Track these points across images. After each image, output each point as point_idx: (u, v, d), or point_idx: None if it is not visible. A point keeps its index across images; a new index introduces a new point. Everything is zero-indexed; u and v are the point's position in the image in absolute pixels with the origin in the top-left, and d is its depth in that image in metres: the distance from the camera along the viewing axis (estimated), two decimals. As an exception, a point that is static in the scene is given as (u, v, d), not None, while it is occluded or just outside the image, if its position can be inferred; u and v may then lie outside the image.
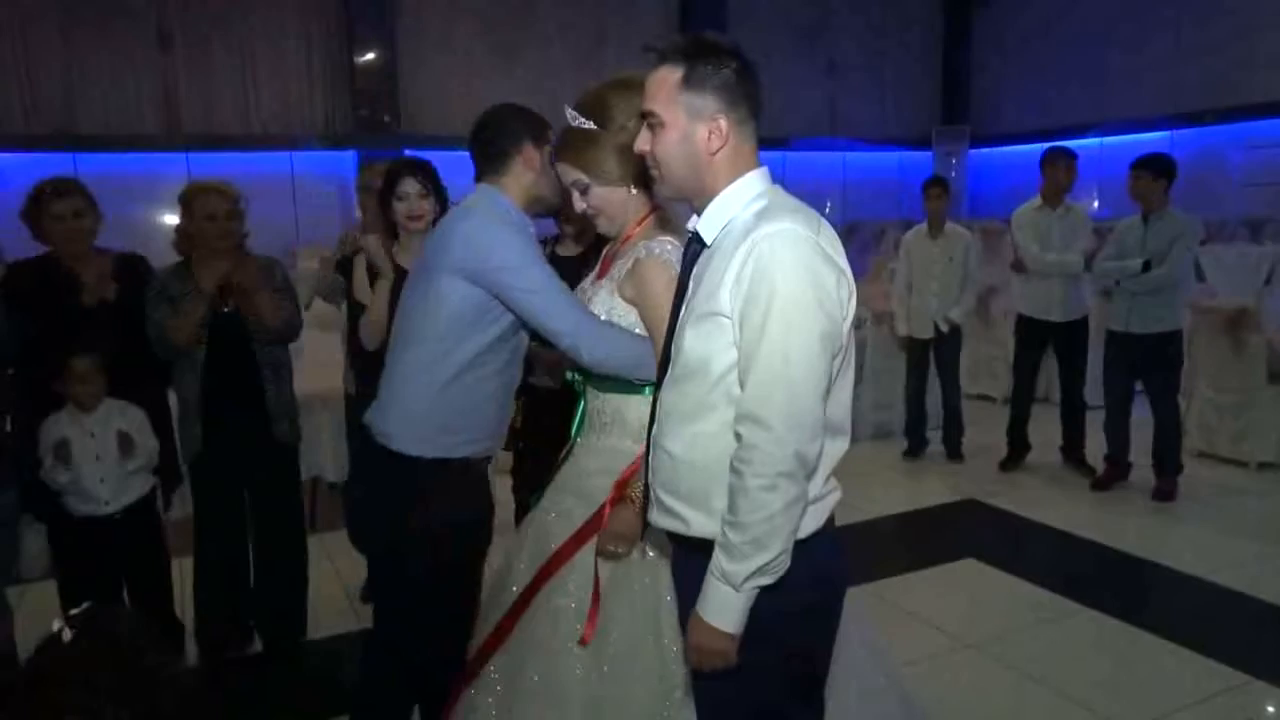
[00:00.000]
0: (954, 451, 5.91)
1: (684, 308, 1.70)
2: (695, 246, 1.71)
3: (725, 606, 1.56)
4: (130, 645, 1.33)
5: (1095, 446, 5.45)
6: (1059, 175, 5.39)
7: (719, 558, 1.55)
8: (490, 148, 2.25)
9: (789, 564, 1.56)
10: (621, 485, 2.04)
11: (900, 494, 5.33)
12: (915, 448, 6.02)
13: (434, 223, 2.98)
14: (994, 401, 7.29)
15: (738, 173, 1.66)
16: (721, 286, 1.57)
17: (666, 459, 1.68)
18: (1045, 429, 5.72)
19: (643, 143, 1.68)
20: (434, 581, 2.25)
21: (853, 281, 1.60)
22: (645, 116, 1.66)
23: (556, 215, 2.58)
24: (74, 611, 1.30)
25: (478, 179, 2.29)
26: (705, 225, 1.67)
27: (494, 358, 2.20)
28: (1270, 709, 3.08)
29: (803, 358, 1.51)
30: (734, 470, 1.54)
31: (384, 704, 2.38)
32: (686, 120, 1.62)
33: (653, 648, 1.99)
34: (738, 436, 1.55)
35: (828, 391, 1.57)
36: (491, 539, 2.39)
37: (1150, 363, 5.03)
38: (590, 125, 2.01)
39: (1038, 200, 5.49)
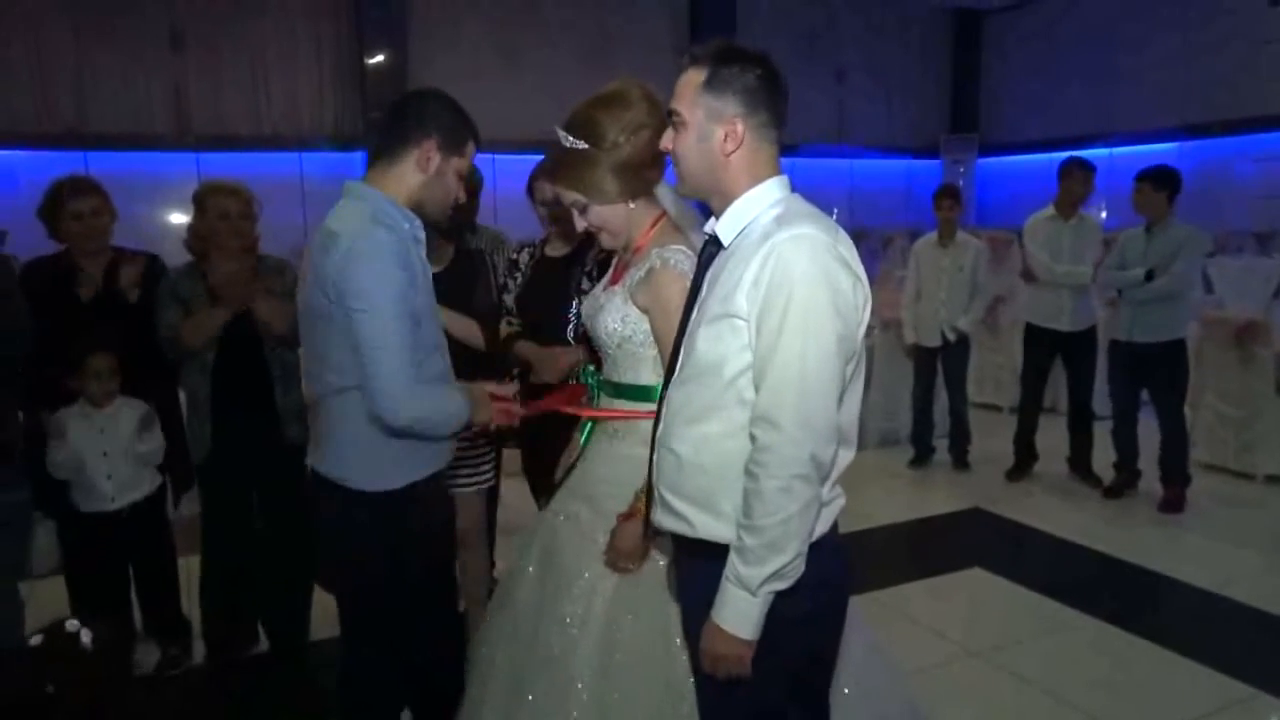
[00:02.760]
0: (960, 460, 5.91)
1: (696, 308, 1.71)
2: (711, 248, 1.73)
3: (741, 612, 1.57)
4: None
5: (1101, 457, 5.45)
6: (1075, 187, 5.37)
7: (734, 563, 1.56)
8: (393, 129, 2.12)
9: (804, 568, 1.57)
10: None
11: (906, 502, 5.33)
12: (921, 456, 6.02)
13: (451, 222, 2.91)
14: (1000, 411, 7.29)
15: (757, 178, 1.68)
16: (738, 289, 1.58)
17: (672, 460, 1.69)
18: (1051, 439, 5.71)
19: (666, 140, 1.73)
20: (417, 594, 2.23)
21: (868, 288, 1.62)
22: (670, 115, 1.70)
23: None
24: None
25: (370, 162, 2.17)
26: (723, 228, 1.69)
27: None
28: (1276, 722, 3.09)
29: (818, 361, 1.52)
30: (749, 474, 1.55)
31: (374, 708, 2.35)
32: (705, 121, 1.65)
33: (660, 655, 1.99)
34: (753, 439, 1.56)
35: (842, 396, 1.58)
36: (456, 539, 2.40)
37: (1154, 372, 5.03)
38: (582, 145, 2.00)
39: (1051, 210, 5.47)
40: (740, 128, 1.64)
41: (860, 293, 1.59)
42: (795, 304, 1.51)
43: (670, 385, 1.74)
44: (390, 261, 1.99)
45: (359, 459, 2.13)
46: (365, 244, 1.98)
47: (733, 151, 1.65)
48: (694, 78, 1.66)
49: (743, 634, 1.57)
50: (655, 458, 1.75)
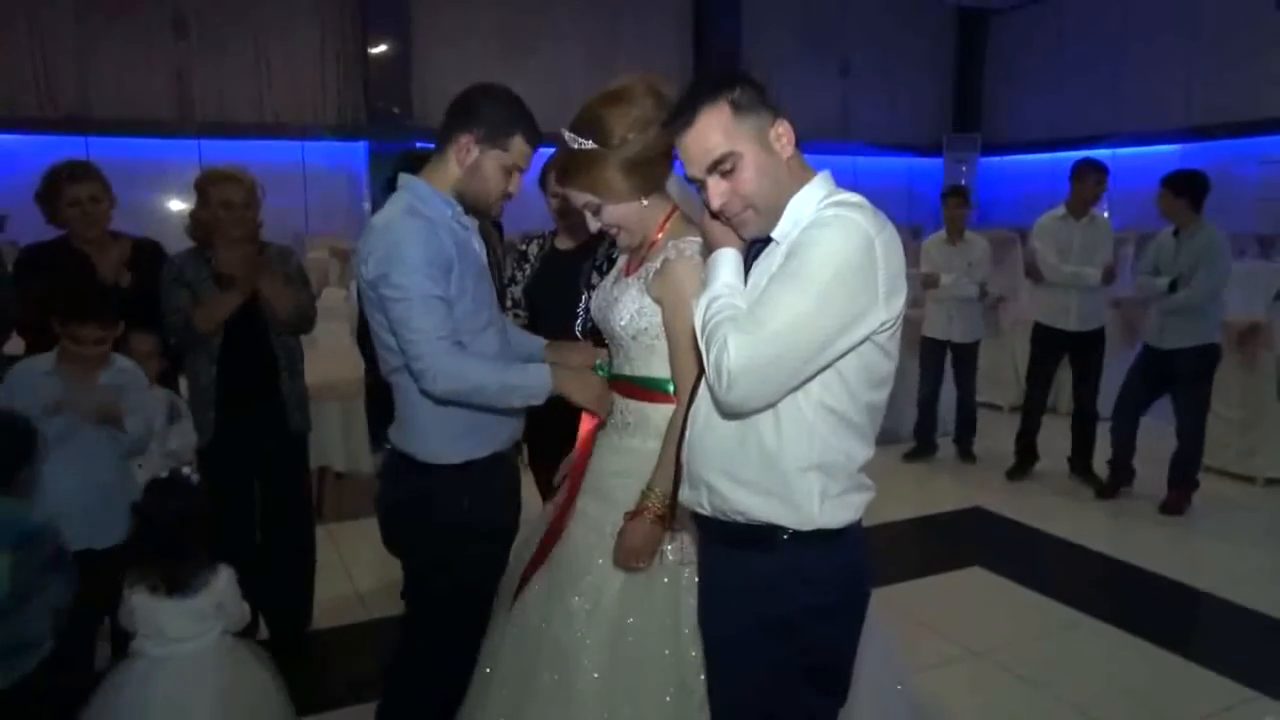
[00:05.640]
0: (965, 452, 5.97)
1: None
2: (759, 245, 1.70)
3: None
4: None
5: (1102, 458, 5.45)
6: (1087, 188, 5.33)
7: (722, 302, 1.60)
8: (445, 122, 2.17)
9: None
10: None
11: (907, 501, 5.30)
12: (922, 450, 6.02)
13: None
14: (1001, 410, 7.29)
15: (803, 171, 1.67)
16: (776, 263, 1.58)
17: (706, 437, 1.68)
18: (1052, 438, 5.71)
19: (718, 198, 1.63)
20: (461, 586, 2.23)
21: (896, 286, 1.57)
22: (714, 168, 1.61)
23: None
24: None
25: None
26: (778, 230, 1.66)
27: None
28: (1276, 726, 3.08)
29: (805, 318, 1.49)
30: (730, 322, 1.54)
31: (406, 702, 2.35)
32: (756, 142, 1.61)
33: (670, 655, 1.97)
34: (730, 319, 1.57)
35: (822, 366, 1.55)
36: (513, 539, 2.35)
37: (1181, 376, 4.99)
38: (590, 145, 1.96)
39: (1062, 209, 5.43)
40: (783, 127, 1.63)
41: (876, 294, 1.53)
42: (816, 257, 1.50)
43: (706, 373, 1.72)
44: (415, 248, 2.02)
45: (421, 433, 2.18)
46: (390, 233, 2.04)
47: (790, 150, 1.64)
48: (716, 116, 1.60)
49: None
50: (687, 434, 1.74)
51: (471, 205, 2.18)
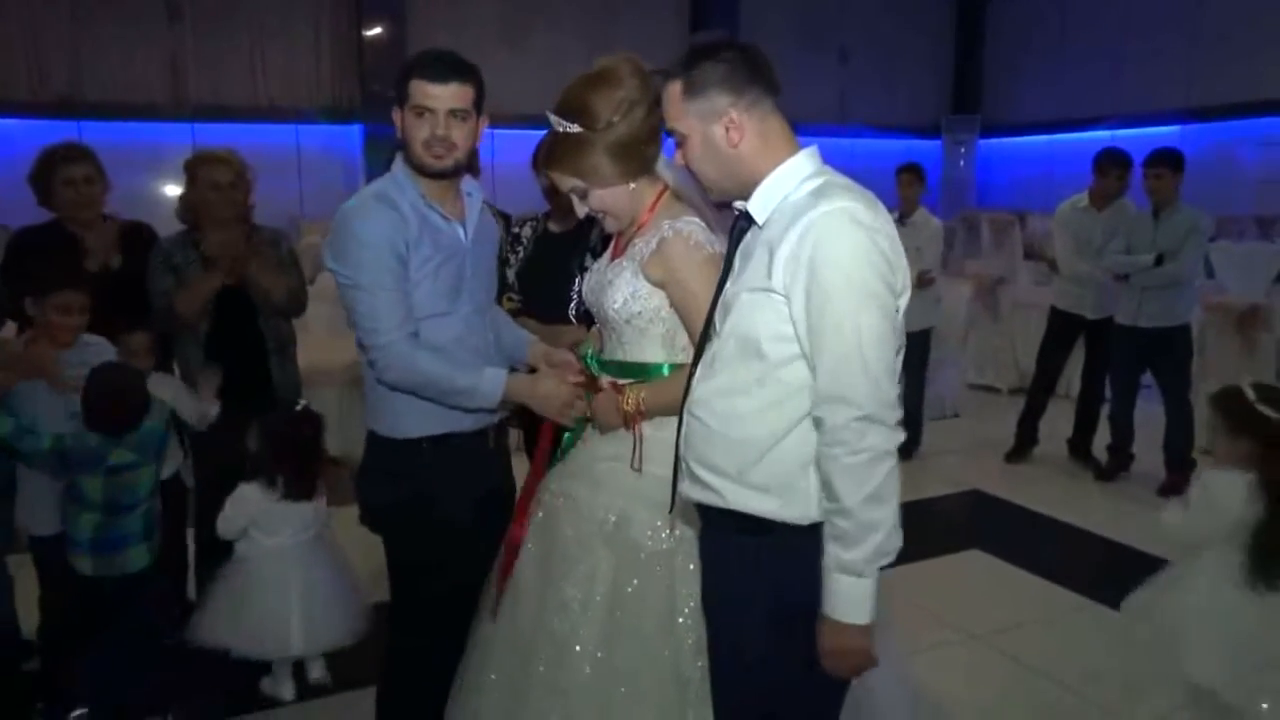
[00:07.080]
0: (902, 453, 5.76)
1: (731, 281, 1.68)
2: (742, 224, 1.69)
3: (855, 599, 1.54)
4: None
5: (1101, 441, 5.43)
6: (1109, 183, 5.22)
7: (834, 550, 1.54)
8: None
9: (902, 539, 1.56)
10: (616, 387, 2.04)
11: (905, 483, 5.13)
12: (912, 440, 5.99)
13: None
14: (999, 393, 7.27)
15: (776, 153, 1.64)
16: (774, 263, 1.55)
17: (701, 430, 1.67)
18: (1049, 422, 5.69)
19: (678, 158, 1.72)
20: (439, 580, 2.21)
21: (905, 261, 1.59)
22: (671, 135, 1.70)
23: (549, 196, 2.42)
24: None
25: None
26: (755, 205, 1.65)
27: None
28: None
29: (872, 335, 1.50)
30: (826, 456, 1.53)
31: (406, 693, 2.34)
32: (700, 126, 1.63)
33: (667, 645, 1.94)
34: (819, 422, 1.54)
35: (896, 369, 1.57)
36: (501, 530, 2.30)
37: (1161, 357, 5.00)
38: (576, 129, 1.92)
39: (1084, 199, 5.34)
40: (735, 116, 1.61)
41: (896, 268, 1.56)
42: (840, 282, 1.49)
43: (701, 356, 1.72)
44: (368, 236, 2.05)
45: (377, 406, 2.22)
46: (350, 221, 2.08)
47: (739, 142, 1.62)
48: (673, 91, 1.65)
49: (860, 620, 1.55)
50: (684, 427, 1.73)
51: (417, 168, 2.13)
